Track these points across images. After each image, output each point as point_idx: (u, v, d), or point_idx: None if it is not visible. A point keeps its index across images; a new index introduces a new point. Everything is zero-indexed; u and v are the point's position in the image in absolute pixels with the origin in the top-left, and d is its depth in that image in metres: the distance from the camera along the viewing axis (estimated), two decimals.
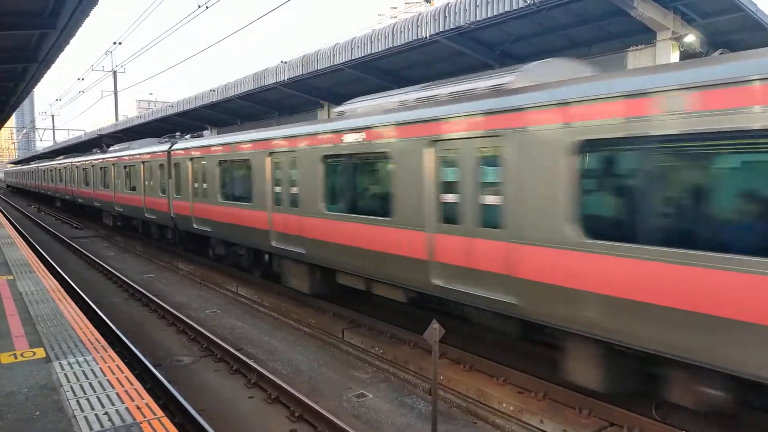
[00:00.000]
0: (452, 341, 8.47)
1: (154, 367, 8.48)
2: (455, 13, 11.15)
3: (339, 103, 18.89)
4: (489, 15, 10.46)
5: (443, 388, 7.74)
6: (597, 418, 6.55)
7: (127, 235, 24.32)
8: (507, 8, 10.08)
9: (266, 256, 13.21)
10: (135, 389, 5.52)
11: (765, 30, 10.01)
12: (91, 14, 9.49)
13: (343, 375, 8.69)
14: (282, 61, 17.17)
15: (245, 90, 19.33)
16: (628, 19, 9.87)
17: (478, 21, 10.68)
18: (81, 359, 6.39)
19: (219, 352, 9.41)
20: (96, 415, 4.92)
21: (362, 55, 13.69)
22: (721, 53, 9.57)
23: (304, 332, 10.93)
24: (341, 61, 14.45)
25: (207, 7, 13.25)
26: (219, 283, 15.15)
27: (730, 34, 10.53)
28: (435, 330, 6.57)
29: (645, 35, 10.55)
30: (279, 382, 7.72)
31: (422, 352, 8.83)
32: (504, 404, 7.14)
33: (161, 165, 18.05)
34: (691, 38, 10.12)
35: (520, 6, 9.84)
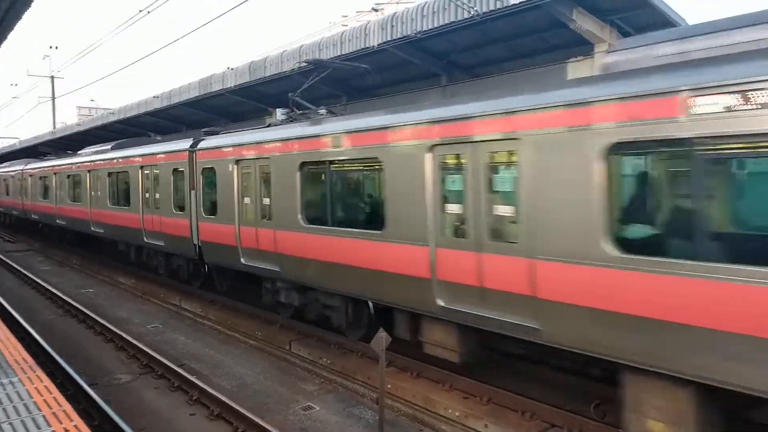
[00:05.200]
0: (400, 349, 8.44)
1: (90, 386, 8.07)
2: (402, 22, 11.24)
3: None
4: (435, 25, 10.60)
5: (391, 397, 7.68)
6: (539, 420, 6.66)
7: (65, 249, 23.20)
8: (452, 18, 10.25)
9: (370, 309, 8.95)
10: (63, 411, 5.23)
11: None
12: (24, 17, 9.09)
13: (290, 388, 8.51)
14: (229, 68, 16.85)
15: (191, 97, 18.84)
16: (568, 31, 10.19)
17: (425, 31, 10.82)
18: (6, 381, 6.01)
19: (159, 368, 9.05)
20: None
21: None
22: None
23: (251, 345, 10.67)
24: (290, 68, 14.29)
25: (148, 12, 12.89)
26: (161, 297, 14.63)
27: None
28: (382, 338, 6.55)
29: (584, 47, 10.91)
30: (221, 397, 7.48)
31: (370, 361, 8.74)
32: (450, 410, 7.16)
33: (176, 170, 13.56)
34: None
35: (465, 17, 10.02)
